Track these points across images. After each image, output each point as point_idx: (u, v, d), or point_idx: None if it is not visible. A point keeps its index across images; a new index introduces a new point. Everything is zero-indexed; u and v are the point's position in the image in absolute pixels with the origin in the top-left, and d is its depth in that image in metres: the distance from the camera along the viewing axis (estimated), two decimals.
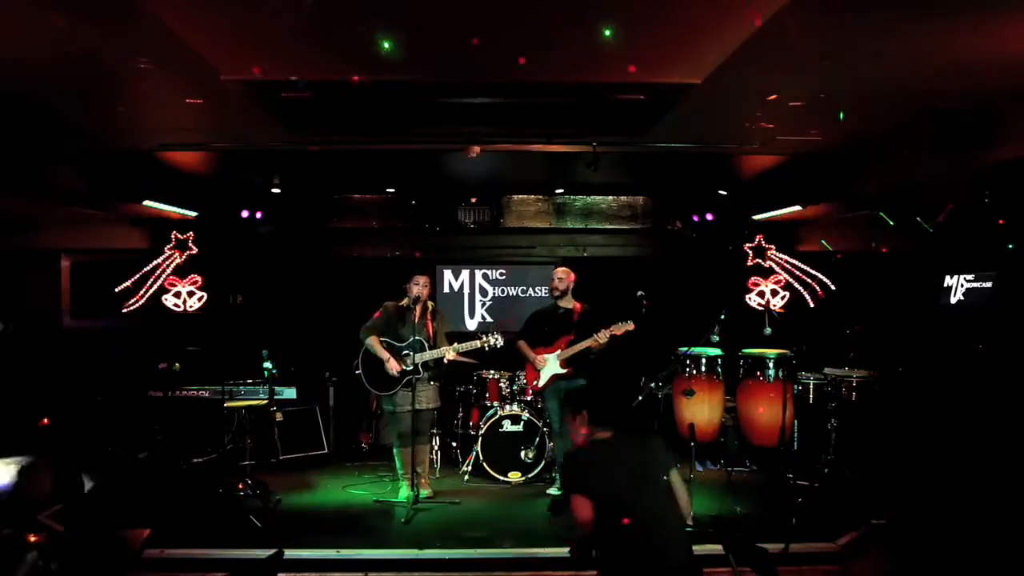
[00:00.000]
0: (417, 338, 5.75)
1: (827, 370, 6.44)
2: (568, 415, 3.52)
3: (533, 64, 4.29)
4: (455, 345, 5.81)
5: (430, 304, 5.98)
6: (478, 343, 5.78)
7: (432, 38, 3.94)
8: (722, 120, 5.44)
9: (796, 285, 7.92)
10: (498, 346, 5.81)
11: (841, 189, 6.42)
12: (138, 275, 7.74)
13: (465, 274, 8.70)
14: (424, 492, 5.82)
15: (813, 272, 7.85)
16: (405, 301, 5.89)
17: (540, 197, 8.51)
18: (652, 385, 5.53)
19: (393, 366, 5.69)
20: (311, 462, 7.23)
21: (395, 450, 5.94)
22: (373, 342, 5.79)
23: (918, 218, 5.64)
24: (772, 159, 6.66)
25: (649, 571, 3.07)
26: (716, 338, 5.44)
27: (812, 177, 6.58)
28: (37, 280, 7.91)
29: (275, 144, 5.94)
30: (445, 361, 5.84)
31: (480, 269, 8.69)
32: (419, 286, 5.82)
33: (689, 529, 4.90)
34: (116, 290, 7.70)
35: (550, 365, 5.93)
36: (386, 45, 3.87)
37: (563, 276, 6.06)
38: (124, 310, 7.69)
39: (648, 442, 3.35)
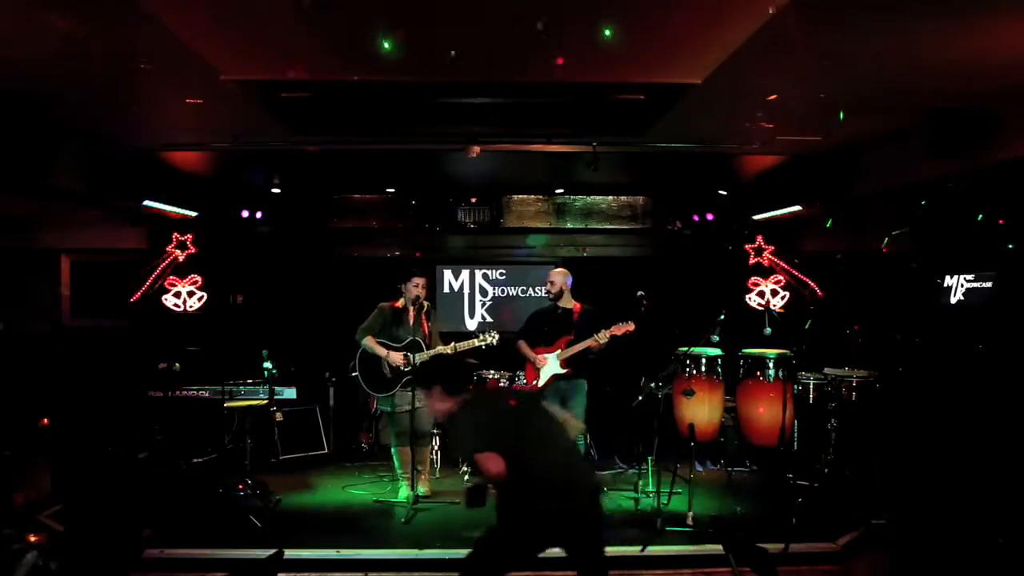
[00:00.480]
0: (414, 338, 5.75)
1: (827, 370, 6.44)
2: (424, 393, 3.63)
3: (533, 64, 4.30)
4: (452, 344, 5.81)
5: (425, 304, 5.97)
6: (475, 341, 5.79)
7: (432, 38, 3.94)
8: (722, 120, 5.44)
9: (796, 285, 7.92)
10: (494, 344, 5.83)
11: (841, 189, 6.42)
12: (138, 275, 7.74)
13: (465, 274, 8.70)
14: (422, 490, 5.81)
15: (813, 272, 7.85)
16: (401, 302, 5.89)
17: (540, 197, 8.51)
18: (652, 385, 5.51)
19: (395, 358, 5.68)
20: (311, 462, 7.22)
21: (393, 450, 5.94)
22: (370, 342, 5.78)
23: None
24: (772, 159, 6.67)
25: (565, 491, 3.29)
26: (716, 338, 5.44)
27: (812, 177, 6.58)
28: (37, 280, 7.91)
29: (275, 144, 5.94)
30: None
31: (480, 269, 8.69)
32: (419, 287, 5.82)
33: (690, 527, 4.91)
34: (116, 290, 7.70)
35: (550, 365, 5.94)
36: (386, 45, 3.88)
37: (555, 279, 6.06)
38: (130, 300, 7.68)
39: (512, 392, 3.53)
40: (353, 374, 5.95)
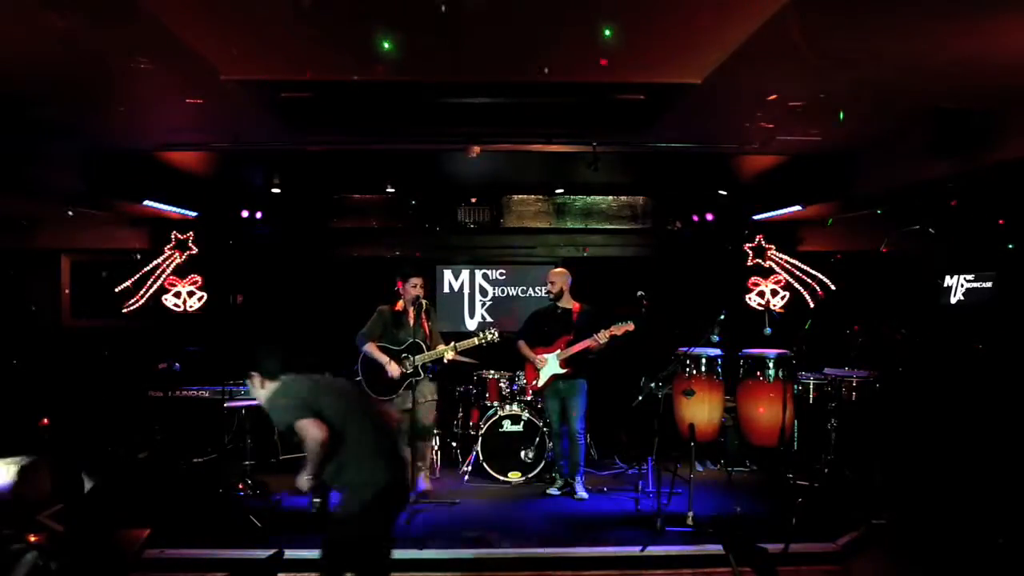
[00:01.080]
0: (415, 340, 5.75)
1: (827, 370, 6.44)
2: (250, 382, 3.74)
3: (534, 64, 4.30)
4: (453, 344, 5.80)
5: (424, 303, 5.95)
6: (476, 340, 5.78)
7: (432, 38, 3.94)
8: (722, 120, 5.44)
9: (796, 285, 7.92)
10: (495, 340, 5.82)
11: (841, 189, 6.42)
12: (138, 275, 7.74)
13: (465, 274, 8.70)
14: (423, 486, 5.81)
15: (813, 272, 7.85)
16: (400, 304, 5.88)
17: (540, 197, 8.51)
18: (652, 385, 5.51)
19: (394, 369, 5.67)
20: None
21: None
22: (372, 348, 5.77)
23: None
24: (772, 159, 6.67)
25: (383, 456, 3.52)
26: (716, 338, 5.44)
27: (812, 177, 6.58)
28: (37, 280, 7.91)
29: (275, 144, 5.94)
30: (445, 361, 5.83)
31: (480, 269, 8.69)
32: (416, 288, 5.80)
33: (690, 527, 4.90)
34: (116, 290, 7.70)
35: (550, 365, 5.94)
36: (386, 45, 3.88)
37: (555, 280, 6.06)
38: (124, 310, 7.69)
39: (326, 377, 3.85)
40: (357, 379, 5.94)
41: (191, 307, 7.83)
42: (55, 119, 5.27)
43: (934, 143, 4.98)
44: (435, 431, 6.54)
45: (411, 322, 5.82)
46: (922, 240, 5.88)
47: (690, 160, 6.65)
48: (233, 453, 6.62)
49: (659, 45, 4.03)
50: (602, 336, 5.72)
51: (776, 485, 6.07)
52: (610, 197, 8.52)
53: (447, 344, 5.84)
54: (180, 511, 5.42)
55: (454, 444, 7.25)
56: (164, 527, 4.87)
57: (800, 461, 6.24)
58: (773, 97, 4.69)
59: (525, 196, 8.50)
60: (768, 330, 5.97)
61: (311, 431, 3.33)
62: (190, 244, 7.81)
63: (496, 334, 5.84)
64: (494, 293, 8.67)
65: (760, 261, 8.02)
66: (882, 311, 6.59)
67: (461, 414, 7.14)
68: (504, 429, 6.42)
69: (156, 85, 4.57)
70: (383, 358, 5.72)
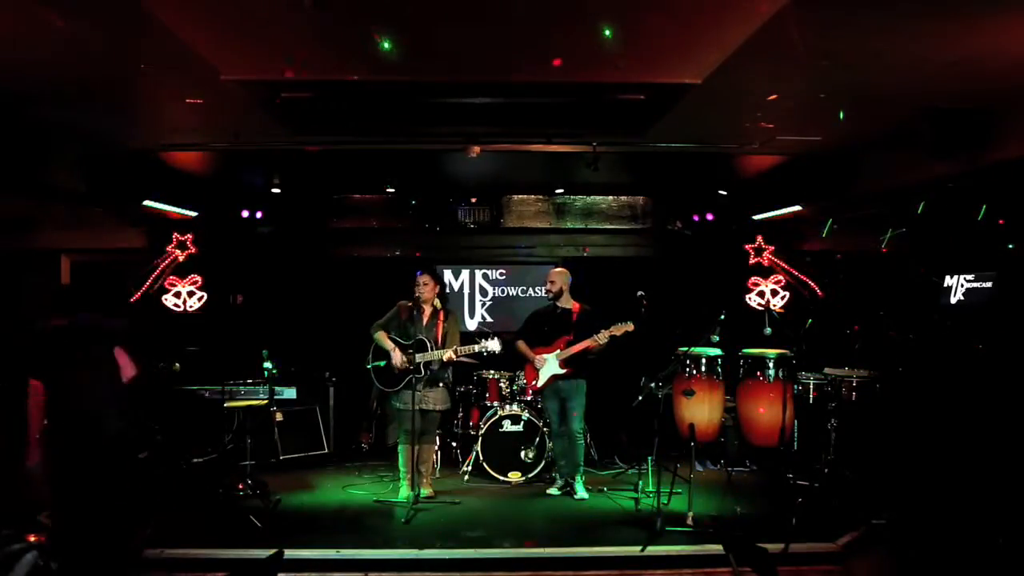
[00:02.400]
0: (420, 338, 5.76)
1: (827, 370, 6.43)
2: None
3: (533, 64, 4.29)
4: (454, 348, 5.79)
5: (437, 303, 5.96)
6: (476, 347, 5.78)
7: (432, 38, 3.94)
8: (722, 120, 5.43)
9: (796, 285, 7.91)
10: (496, 352, 5.83)
11: (841, 189, 6.42)
12: (138, 275, 7.73)
13: (465, 274, 8.70)
14: (425, 491, 5.82)
15: (813, 272, 7.85)
16: (413, 302, 5.91)
17: (540, 197, 8.51)
18: (652, 385, 5.52)
19: (397, 357, 5.71)
20: (311, 462, 7.22)
21: (400, 447, 5.94)
22: (381, 336, 5.86)
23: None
24: (772, 159, 6.66)
25: (90, 430, 3.71)
26: (716, 338, 5.44)
27: (812, 177, 6.58)
28: (37, 280, 7.90)
29: (275, 144, 5.94)
30: (444, 359, 5.83)
31: (480, 269, 8.69)
32: (418, 286, 5.82)
33: (690, 527, 4.91)
34: (115, 290, 7.69)
35: (549, 365, 5.94)
36: (386, 45, 3.87)
37: (555, 279, 6.06)
38: (124, 310, 7.67)
39: (83, 326, 3.92)
40: (367, 367, 5.97)
41: (191, 307, 7.83)
42: (55, 119, 5.27)
43: (934, 143, 4.98)
44: (438, 431, 6.54)
45: (424, 321, 5.84)
46: (922, 240, 5.88)
47: (690, 160, 6.64)
48: (233, 453, 6.63)
49: (659, 45, 4.02)
50: (602, 336, 5.72)
51: (776, 485, 6.07)
52: (610, 197, 8.52)
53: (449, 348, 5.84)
54: (180, 511, 5.42)
55: (454, 444, 7.25)
56: (164, 527, 4.88)
57: (800, 461, 6.24)
58: (773, 97, 4.69)
59: (525, 196, 8.50)
60: (768, 330, 5.97)
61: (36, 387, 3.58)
62: (190, 244, 7.81)
63: (499, 346, 5.83)
64: (494, 293, 8.67)
65: (760, 261, 8.02)
66: (882, 311, 6.59)
67: (461, 414, 7.14)
68: (504, 429, 6.42)
69: (156, 85, 4.57)
70: (389, 345, 5.78)
